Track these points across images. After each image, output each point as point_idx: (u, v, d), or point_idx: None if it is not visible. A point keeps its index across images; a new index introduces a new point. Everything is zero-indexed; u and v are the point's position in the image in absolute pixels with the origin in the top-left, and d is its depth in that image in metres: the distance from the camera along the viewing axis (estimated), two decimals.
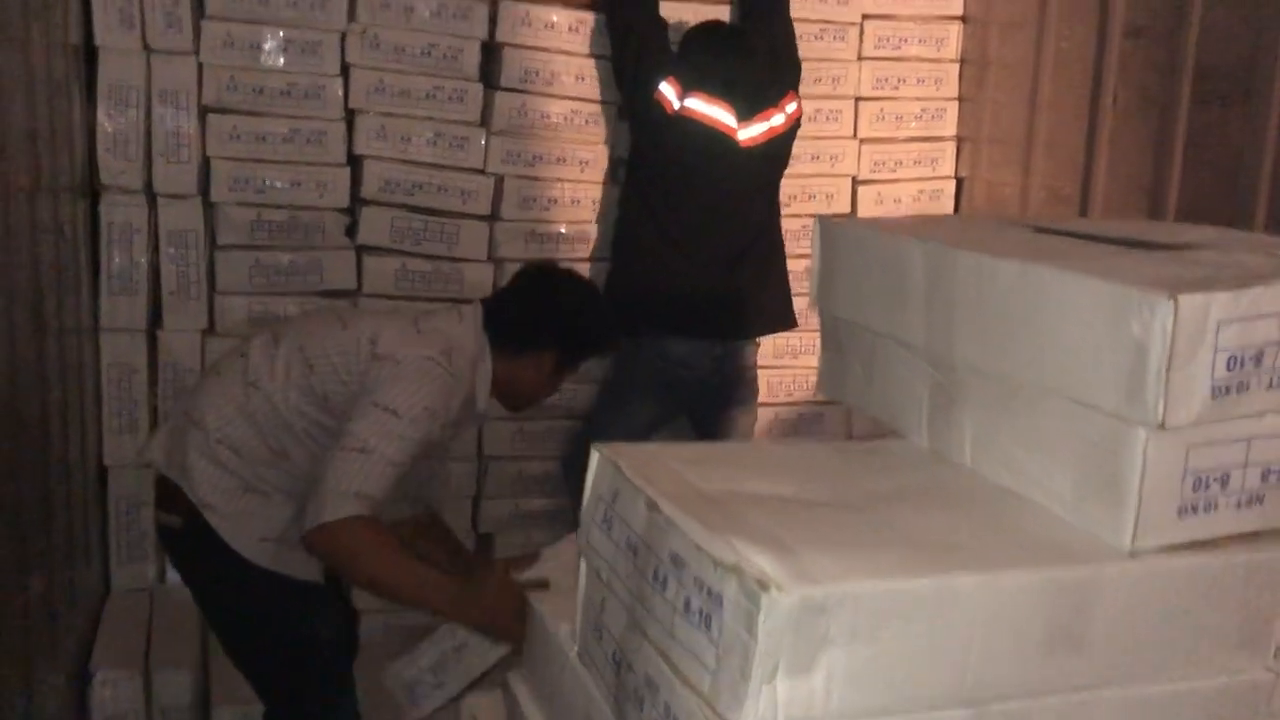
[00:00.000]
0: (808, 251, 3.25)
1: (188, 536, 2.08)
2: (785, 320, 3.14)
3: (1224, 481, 1.00)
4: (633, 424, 2.96)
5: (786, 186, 3.32)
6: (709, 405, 3.04)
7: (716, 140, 2.89)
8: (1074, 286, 1.01)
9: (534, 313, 2.17)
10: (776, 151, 3.02)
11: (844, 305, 1.36)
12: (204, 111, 2.84)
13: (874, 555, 0.91)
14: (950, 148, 3.51)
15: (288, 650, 2.11)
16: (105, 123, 2.76)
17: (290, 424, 2.03)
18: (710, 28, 3.01)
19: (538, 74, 3.05)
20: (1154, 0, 2.80)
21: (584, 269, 3.15)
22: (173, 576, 2.93)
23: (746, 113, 2.91)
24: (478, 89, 3.03)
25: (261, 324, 2.88)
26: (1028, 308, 1.06)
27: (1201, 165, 2.66)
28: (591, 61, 3.09)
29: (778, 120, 2.97)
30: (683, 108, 2.87)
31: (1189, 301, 0.93)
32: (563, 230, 3.14)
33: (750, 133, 2.93)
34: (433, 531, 2.34)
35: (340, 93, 2.93)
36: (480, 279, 3.07)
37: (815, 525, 0.97)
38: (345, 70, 2.93)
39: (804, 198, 3.35)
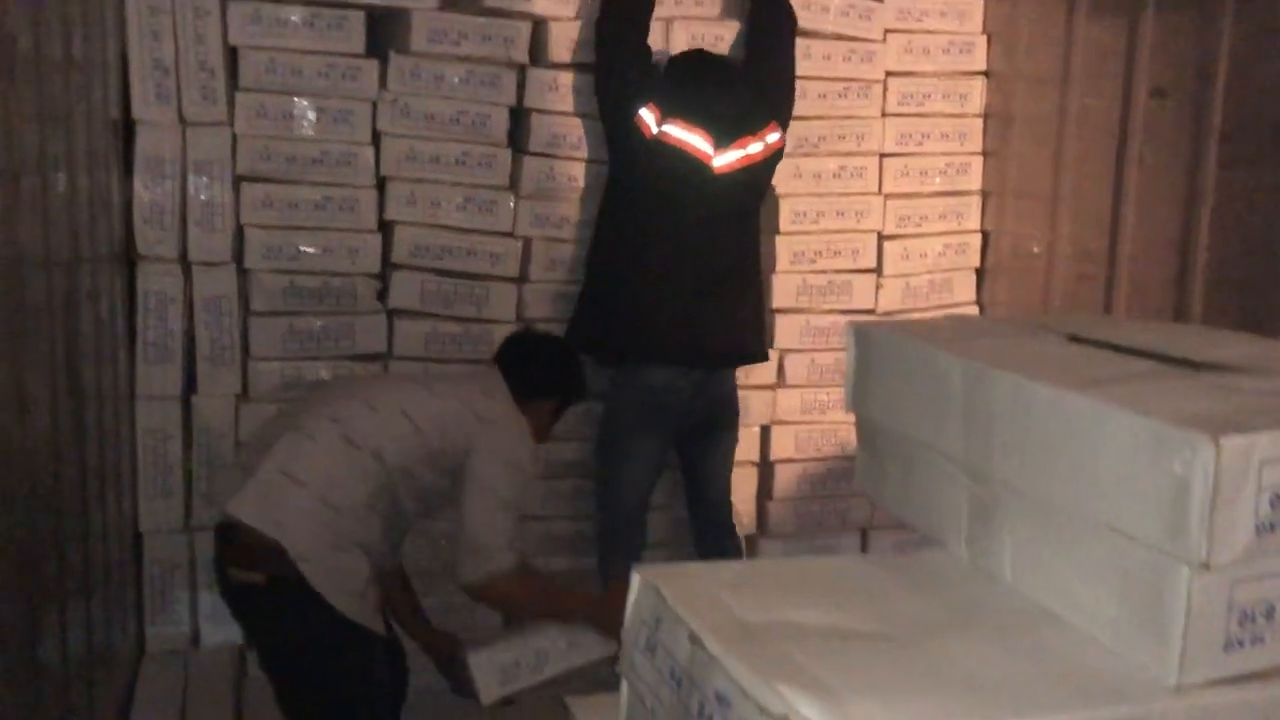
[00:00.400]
0: (837, 306, 3.32)
1: (269, 593, 2.18)
2: (756, 353, 3.16)
3: (1270, 614, 1.00)
4: (633, 461, 3.01)
5: (810, 242, 3.34)
6: (693, 431, 3.07)
7: (692, 166, 2.92)
8: (1114, 420, 1.01)
9: (538, 371, 2.52)
10: (754, 180, 3.04)
11: (880, 410, 1.37)
12: (238, 180, 2.89)
13: (920, 703, 0.92)
14: (975, 202, 3.52)
15: (352, 696, 2.24)
16: (142, 193, 2.81)
17: (394, 484, 2.24)
18: (692, 56, 3.04)
19: (564, 138, 3.09)
20: (1178, 61, 2.81)
21: None
22: (207, 639, 2.97)
23: (724, 140, 2.93)
24: (506, 154, 3.07)
25: (294, 387, 2.94)
26: (1067, 435, 1.07)
27: (1229, 225, 2.66)
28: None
29: (755, 148, 2.98)
30: (660, 133, 2.90)
31: (1231, 443, 0.93)
32: None
33: (725, 160, 2.94)
34: (401, 582, 2.58)
35: (371, 160, 2.97)
36: None
37: (860, 665, 0.98)
38: (376, 138, 2.97)
39: (830, 254, 3.36)
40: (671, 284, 2.96)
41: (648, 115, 2.91)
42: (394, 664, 2.40)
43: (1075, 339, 1.30)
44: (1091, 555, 1.07)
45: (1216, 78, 2.69)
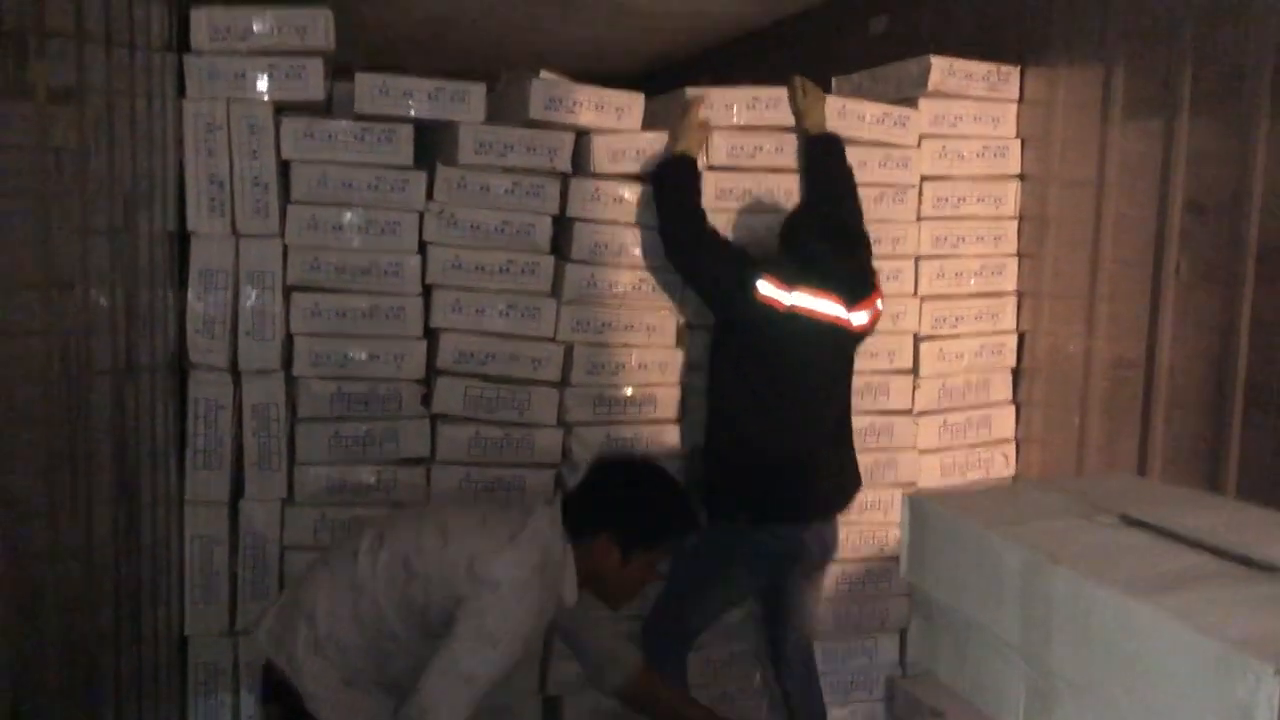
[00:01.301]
0: (875, 407, 3.34)
1: None
2: (859, 482, 3.18)
3: None
4: (711, 599, 3.00)
5: None
6: (791, 577, 3.06)
7: (828, 331, 2.92)
8: (1177, 636, 1.03)
9: (594, 498, 2.29)
10: (871, 330, 3.08)
11: (936, 585, 1.39)
12: (288, 290, 2.96)
13: None
14: (1011, 303, 3.55)
15: None
16: (195, 304, 2.88)
17: (394, 633, 2.17)
18: (809, 222, 3.00)
19: (606, 246, 3.14)
20: (1214, 173, 2.84)
21: (651, 430, 3.22)
22: None
23: (852, 300, 2.93)
24: (549, 261, 3.12)
25: (339, 492, 2.99)
26: (1128, 641, 1.09)
27: (1271, 343, 2.67)
28: (657, 233, 3.17)
29: (880, 304, 3.05)
30: (793, 305, 2.87)
31: None
32: (629, 393, 3.20)
33: (860, 319, 2.97)
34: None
35: (418, 269, 3.03)
36: (550, 444, 3.14)
37: None
38: (423, 247, 3.04)
39: (866, 355, 3.37)
40: (802, 439, 2.97)
41: (770, 289, 2.86)
42: None
43: (1129, 521, 1.32)
44: None
45: (1253, 194, 2.72)
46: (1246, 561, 1.18)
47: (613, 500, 2.28)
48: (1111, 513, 1.35)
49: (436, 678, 2.02)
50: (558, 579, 2.20)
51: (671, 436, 3.24)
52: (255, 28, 2.84)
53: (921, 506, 1.40)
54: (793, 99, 3.21)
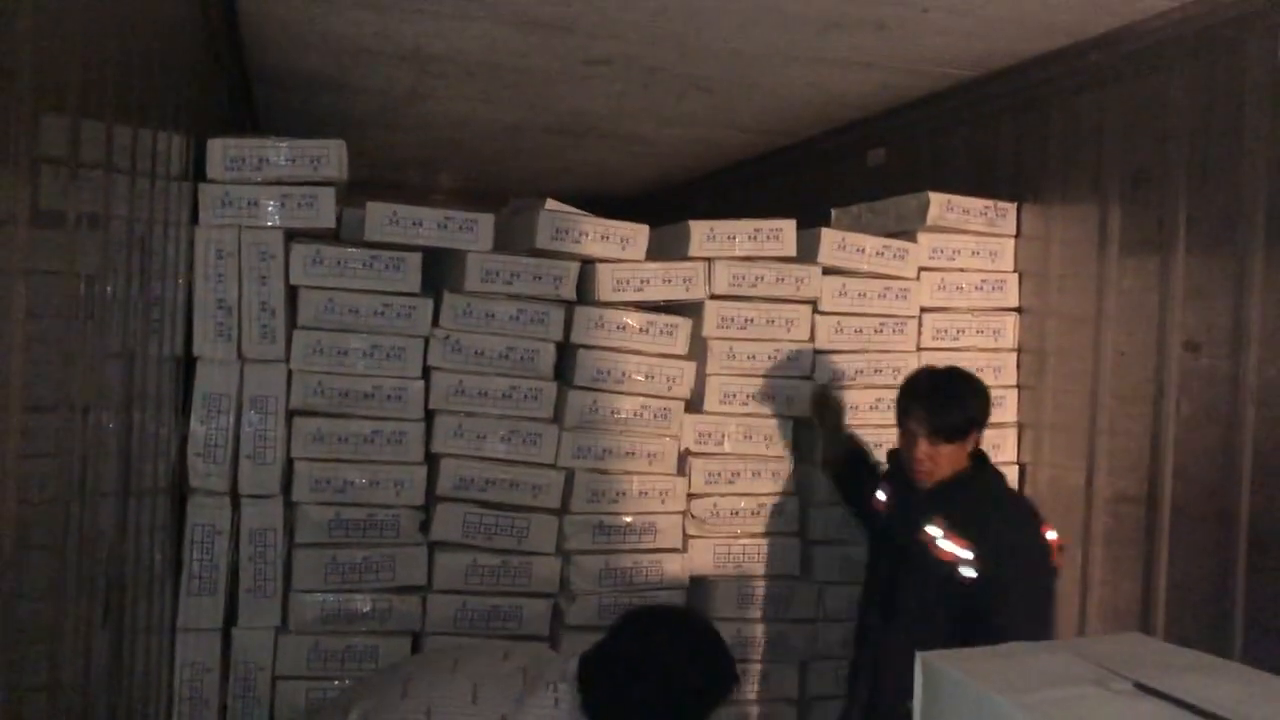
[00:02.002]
0: None
1: None
2: None
3: None
4: None
5: None
6: None
7: None
8: None
9: (627, 680, 1.99)
10: None
11: None
12: (290, 414, 2.96)
13: None
14: (1012, 434, 3.55)
15: None
16: (197, 428, 2.88)
17: None
18: None
19: (609, 372, 3.16)
20: (1211, 312, 2.87)
21: (651, 559, 3.20)
22: None
23: None
24: (552, 387, 3.14)
25: (334, 620, 2.94)
26: None
27: (1273, 484, 2.67)
28: (661, 360, 3.20)
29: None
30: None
31: None
32: (629, 520, 3.19)
33: None
34: None
35: (421, 394, 3.05)
36: (548, 572, 3.11)
37: None
38: (426, 373, 3.06)
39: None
40: None
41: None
42: None
43: (1143, 689, 1.30)
44: None
45: (1249, 334, 2.75)
46: None
47: (652, 680, 1.98)
48: (1126, 679, 1.33)
49: None
50: None
51: (673, 566, 3.21)
52: (270, 158, 2.90)
53: (934, 667, 1.39)
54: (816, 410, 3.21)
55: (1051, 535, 2.60)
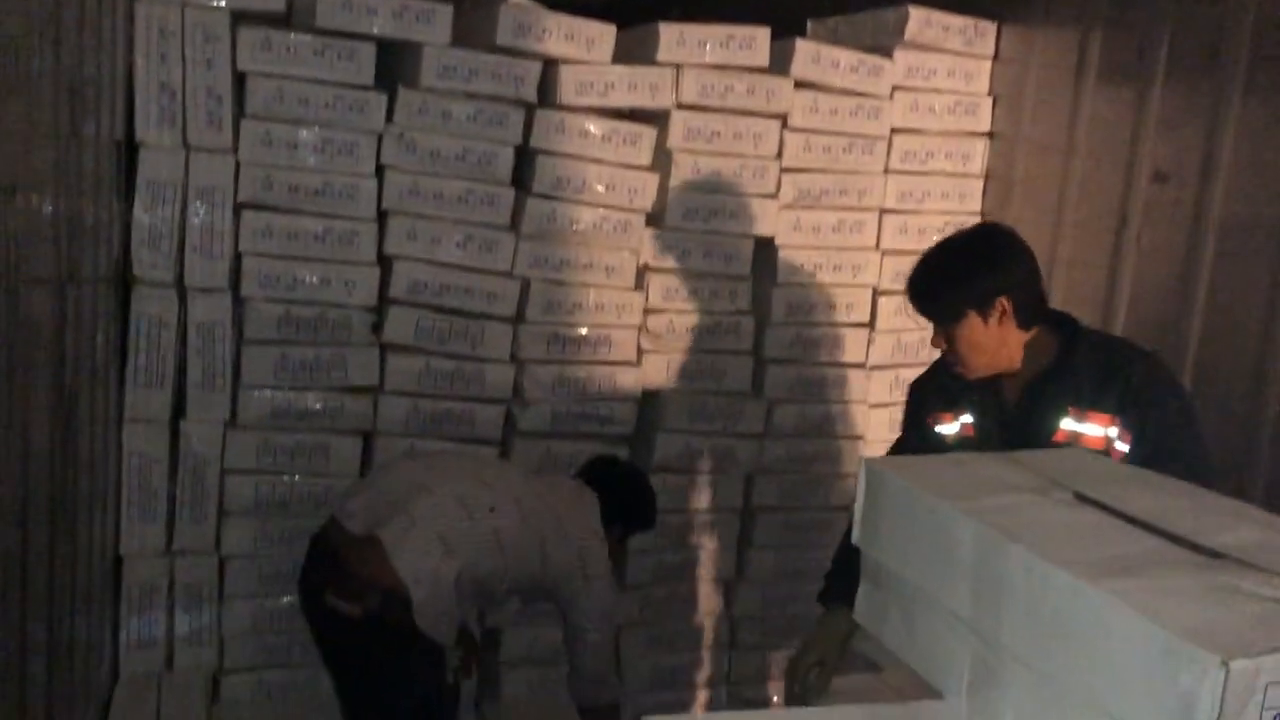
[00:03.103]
0: (829, 359, 3.34)
1: (362, 626, 2.40)
2: None
3: None
4: None
5: (806, 294, 3.36)
6: None
7: None
8: (1127, 623, 1.03)
9: (619, 499, 2.82)
10: None
11: (887, 553, 1.38)
12: (239, 208, 2.87)
13: None
14: None
15: (433, 700, 2.51)
16: (141, 217, 2.78)
17: (507, 575, 2.56)
18: None
19: (569, 181, 3.08)
20: (1183, 145, 2.83)
21: (605, 371, 3.20)
22: (181, 662, 2.97)
23: None
24: (509, 193, 3.06)
25: (284, 417, 2.94)
26: (1078, 623, 1.09)
27: (1223, 322, 2.69)
28: (623, 171, 3.12)
29: None
30: None
31: (1240, 666, 0.95)
32: (584, 333, 3.17)
33: None
34: None
35: (374, 193, 2.96)
36: (502, 380, 3.11)
37: None
38: (380, 171, 2.96)
39: (824, 307, 3.38)
40: None
41: None
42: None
43: (1083, 499, 1.32)
44: None
45: (1220, 168, 2.72)
46: (1196, 548, 1.19)
47: (641, 504, 2.90)
48: (1067, 490, 1.34)
49: (590, 657, 2.64)
50: None
51: (626, 379, 3.21)
52: None
53: (877, 474, 1.39)
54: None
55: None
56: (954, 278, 2.10)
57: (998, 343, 2.09)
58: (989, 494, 1.31)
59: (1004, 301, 2.05)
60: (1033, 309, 2.09)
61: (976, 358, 2.12)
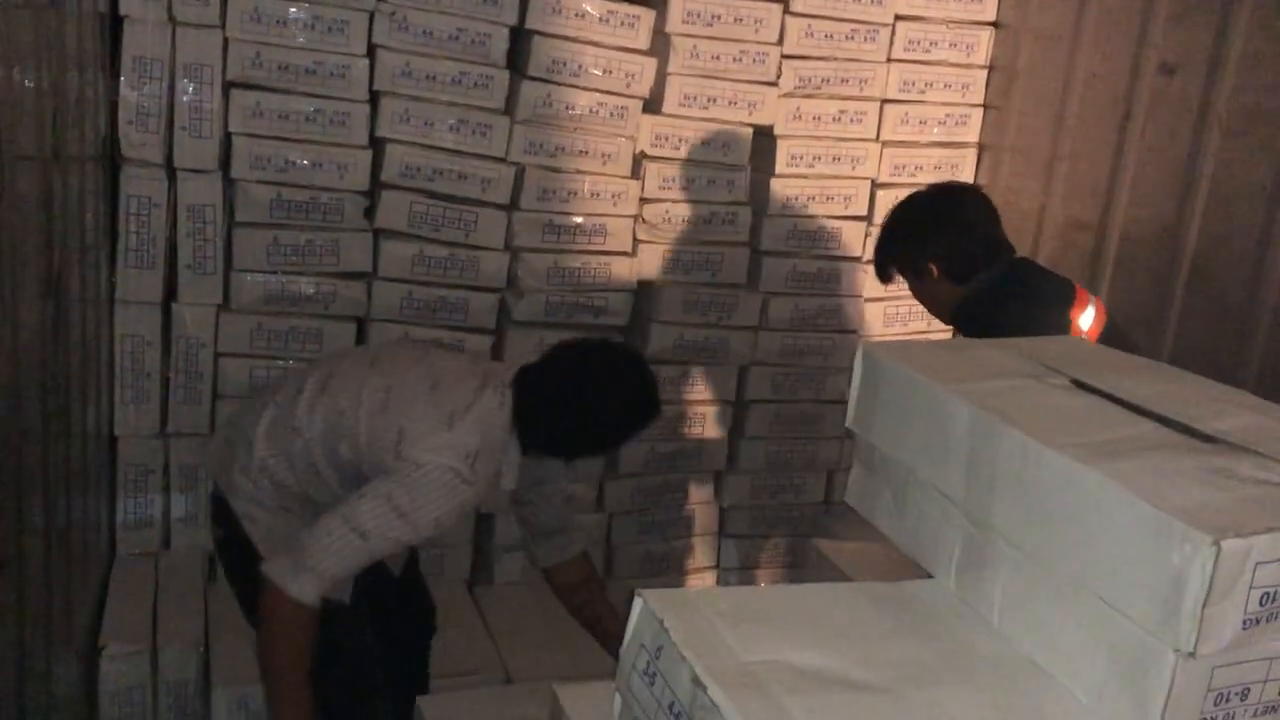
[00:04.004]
0: (825, 252, 3.32)
1: (230, 548, 2.24)
2: None
3: (1244, 695, 1.05)
4: None
5: (805, 187, 3.33)
6: None
7: None
8: (1120, 502, 1.04)
9: (558, 416, 2.12)
10: None
11: (880, 435, 1.39)
12: (228, 86, 2.80)
13: None
14: (972, 155, 3.50)
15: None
16: (128, 94, 2.73)
17: (324, 477, 2.17)
18: None
19: (565, 64, 3.01)
20: (1191, 38, 2.78)
21: (600, 261, 3.17)
22: (178, 542, 3.01)
23: None
24: (504, 76, 2.99)
25: (277, 302, 2.92)
26: (1071, 504, 1.10)
27: (1224, 214, 2.67)
28: (620, 55, 3.05)
29: None
30: None
31: (1231, 545, 0.96)
32: (579, 222, 3.14)
33: None
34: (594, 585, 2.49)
35: (366, 74, 2.89)
36: (496, 268, 3.08)
37: None
38: (371, 51, 2.89)
39: (822, 199, 3.35)
40: None
41: None
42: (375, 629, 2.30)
43: (1079, 385, 1.32)
44: (1080, 620, 1.11)
45: (1229, 61, 2.67)
46: (1192, 432, 1.19)
47: (569, 398, 2.12)
48: (1063, 375, 1.35)
49: (336, 522, 1.96)
50: (496, 463, 2.10)
51: (621, 269, 3.19)
52: None
53: (874, 357, 1.39)
54: None
55: (1085, 318, 2.30)
56: (883, 246, 2.45)
57: (932, 299, 2.40)
58: (986, 378, 1.31)
59: (932, 265, 2.31)
60: (967, 265, 2.30)
61: (927, 308, 2.46)
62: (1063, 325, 2.21)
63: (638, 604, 1.19)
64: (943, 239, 2.32)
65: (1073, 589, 1.12)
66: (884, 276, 2.47)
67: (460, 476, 1.99)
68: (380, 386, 2.11)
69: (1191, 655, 1.00)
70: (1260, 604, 1.00)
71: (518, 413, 2.10)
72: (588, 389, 2.10)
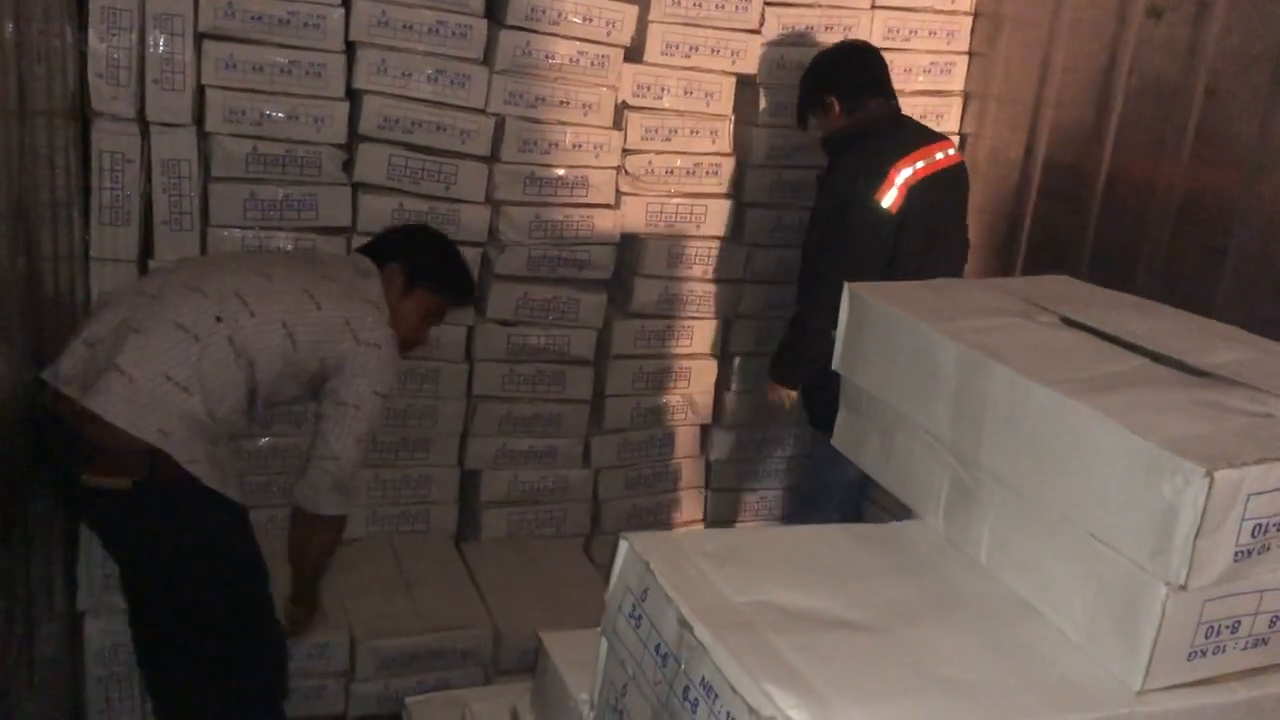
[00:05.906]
0: (810, 203, 3.29)
1: (133, 496, 2.11)
2: None
3: (1234, 628, 1.05)
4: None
5: (788, 136, 3.29)
6: None
7: None
8: (1110, 435, 1.03)
9: (389, 240, 2.61)
10: None
11: (868, 377, 1.37)
12: (200, 38, 2.74)
13: (900, 707, 0.96)
14: (957, 104, 3.47)
15: (240, 574, 2.32)
16: (97, 46, 2.65)
17: (260, 389, 2.27)
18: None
19: (544, 12, 2.96)
20: None
21: (583, 214, 3.14)
22: None
23: None
24: (482, 25, 2.93)
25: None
26: (1059, 439, 1.09)
27: (1208, 158, 2.65)
28: (600, 2, 2.99)
29: None
30: None
31: (1224, 476, 0.95)
32: (561, 174, 3.09)
33: None
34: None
35: (341, 23, 2.83)
36: (477, 221, 3.04)
37: (844, 661, 1.01)
38: (346, 0, 2.83)
39: (807, 150, 3.30)
40: None
41: None
42: None
43: (1068, 322, 1.30)
44: (1070, 556, 1.10)
45: (1216, 2, 2.64)
46: (1183, 367, 1.18)
47: (405, 242, 2.59)
48: (1051, 313, 1.33)
49: (348, 437, 2.30)
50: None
51: (604, 222, 3.15)
52: None
53: (859, 298, 1.37)
54: None
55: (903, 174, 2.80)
56: (800, 94, 3.01)
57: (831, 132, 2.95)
58: (973, 317, 1.30)
59: (833, 99, 2.92)
60: (855, 98, 2.91)
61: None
62: (883, 171, 2.78)
63: (623, 547, 1.17)
64: (839, 73, 2.93)
65: (1061, 525, 1.11)
66: (801, 121, 3.05)
67: (395, 341, 2.40)
68: (302, 294, 2.30)
69: (1183, 588, 0.99)
70: (1252, 535, 0.99)
71: (419, 272, 2.50)
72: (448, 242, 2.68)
